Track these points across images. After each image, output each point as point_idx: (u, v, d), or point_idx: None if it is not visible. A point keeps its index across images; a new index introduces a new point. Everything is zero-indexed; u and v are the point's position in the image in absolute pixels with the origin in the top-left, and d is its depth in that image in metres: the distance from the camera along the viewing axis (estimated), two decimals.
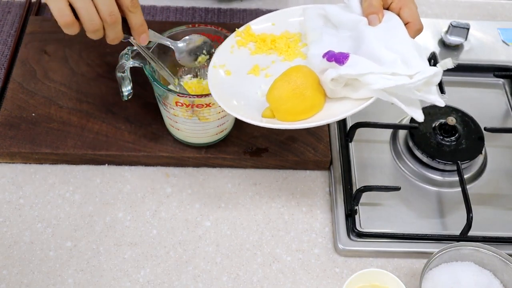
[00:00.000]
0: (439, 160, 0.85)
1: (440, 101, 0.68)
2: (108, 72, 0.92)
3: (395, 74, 0.67)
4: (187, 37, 0.81)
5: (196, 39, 0.81)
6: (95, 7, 0.67)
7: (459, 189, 0.82)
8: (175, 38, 0.82)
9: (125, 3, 0.69)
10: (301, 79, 0.71)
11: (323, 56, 0.71)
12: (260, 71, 0.78)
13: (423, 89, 0.67)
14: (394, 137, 0.90)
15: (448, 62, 0.69)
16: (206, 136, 0.84)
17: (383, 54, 0.69)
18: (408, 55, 0.68)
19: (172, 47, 0.80)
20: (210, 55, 0.81)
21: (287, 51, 0.79)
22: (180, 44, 0.80)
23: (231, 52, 0.80)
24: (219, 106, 0.77)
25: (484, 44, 1.03)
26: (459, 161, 0.83)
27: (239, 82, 0.77)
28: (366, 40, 0.71)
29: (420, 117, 0.69)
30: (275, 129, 0.73)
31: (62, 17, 0.67)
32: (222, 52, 0.79)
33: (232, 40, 0.80)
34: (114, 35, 0.71)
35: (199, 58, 0.82)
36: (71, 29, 0.69)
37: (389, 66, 0.68)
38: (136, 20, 0.71)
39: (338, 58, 0.70)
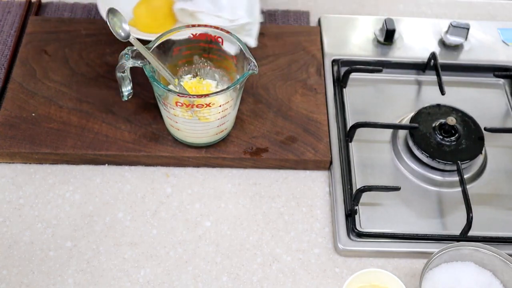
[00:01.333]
0: (439, 160, 0.85)
1: (251, 42, 0.91)
2: (108, 72, 0.92)
3: (219, 17, 0.90)
4: None
5: None
6: None
7: (459, 189, 0.82)
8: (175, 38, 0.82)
9: None
10: (158, 2, 0.96)
11: None
12: None
13: (243, 32, 0.91)
14: (394, 137, 0.90)
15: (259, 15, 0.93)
16: (206, 136, 0.84)
17: (222, 0, 0.91)
18: (238, 5, 0.91)
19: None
20: None
21: None
22: None
23: None
24: (220, 106, 0.78)
25: (484, 44, 1.03)
26: (459, 161, 0.83)
27: None
28: None
29: (251, 42, 0.91)
30: (274, 129, 0.84)
31: None
32: None
33: None
34: None
35: None
36: None
37: (218, 10, 0.90)
38: None
39: None
